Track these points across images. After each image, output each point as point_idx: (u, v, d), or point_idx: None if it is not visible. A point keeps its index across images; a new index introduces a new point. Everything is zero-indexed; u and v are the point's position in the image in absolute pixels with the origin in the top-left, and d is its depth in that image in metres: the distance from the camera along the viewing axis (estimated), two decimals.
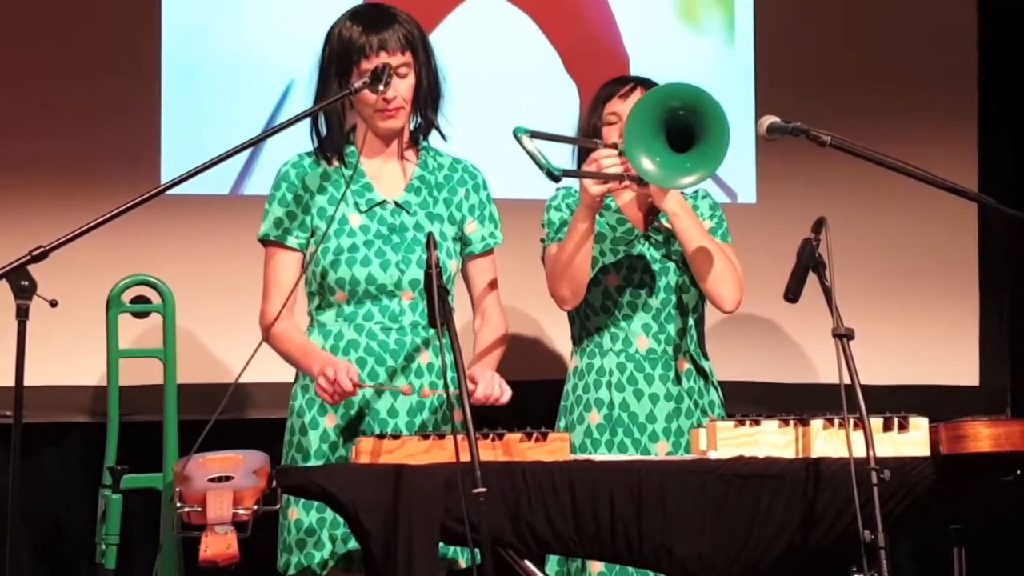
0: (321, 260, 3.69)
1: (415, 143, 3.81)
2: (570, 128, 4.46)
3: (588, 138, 4.01)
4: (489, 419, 3.42)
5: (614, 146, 3.82)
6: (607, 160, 3.80)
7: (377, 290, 3.68)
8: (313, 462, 3.63)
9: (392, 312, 3.69)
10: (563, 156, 4.10)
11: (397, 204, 3.74)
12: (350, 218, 3.71)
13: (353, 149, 3.74)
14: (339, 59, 3.67)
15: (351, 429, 3.65)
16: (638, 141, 3.70)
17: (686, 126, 3.71)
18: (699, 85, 3.75)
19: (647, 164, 3.72)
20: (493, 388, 3.56)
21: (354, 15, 3.72)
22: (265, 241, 3.74)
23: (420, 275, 3.62)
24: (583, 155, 4.04)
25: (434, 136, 3.82)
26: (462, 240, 3.80)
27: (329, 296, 3.71)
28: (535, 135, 3.63)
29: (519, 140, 3.62)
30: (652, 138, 3.71)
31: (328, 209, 3.70)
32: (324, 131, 3.75)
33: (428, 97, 3.75)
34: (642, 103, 3.75)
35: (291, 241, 3.71)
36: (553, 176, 3.63)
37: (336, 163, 3.74)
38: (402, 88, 3.68)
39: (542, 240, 4.10)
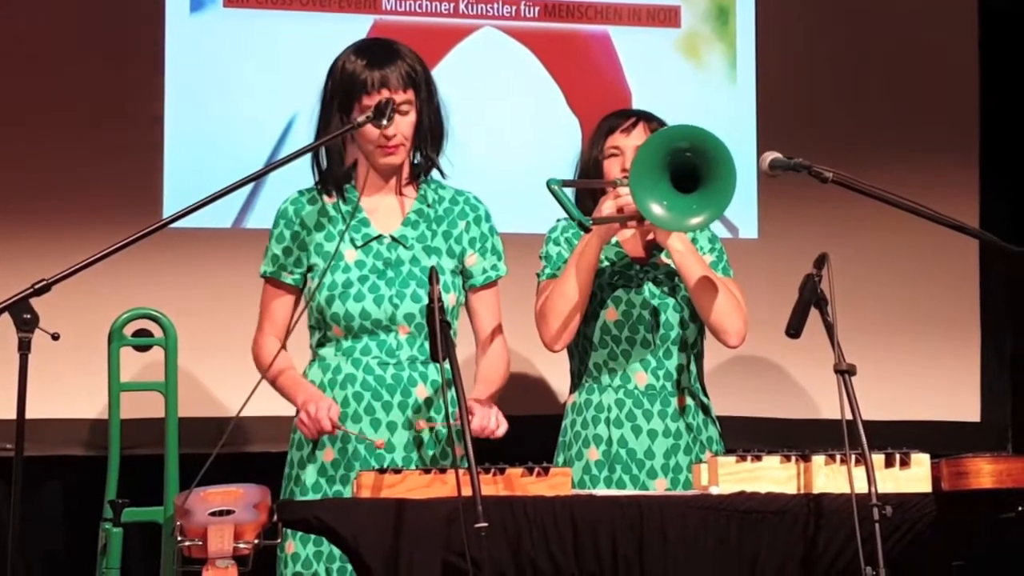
0: (318, 296, 3.70)
1: (415, 179, 3.81)
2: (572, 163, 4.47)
3: (597, 177, 4.01)
4: (490, 454, 3.42)
5: (615, 183, 3.82)
6: (625, 199, 3.81)
7: (372, 325, 3.68)
8: (310, 496, 3.63)
9: (389, 347, 3.69)
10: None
11: (393, 238, 3.74)
12: (345, 254, 3.72)
13: (352, 185, 3.75)
14: (341, 93, 3.68)
15: (348, 463, 3.64)
16: (644, 184, 3.70)
17: (692, 167, 3.71)
18: (704, 127, 3.76)
19: (656, 208, 3.72)
20: (489, 420, 3.56)
21: (358, 50, 3.73)
22: (264, 277, 3.78)
23: (415, 309, 3.65)
24: (590, 194, 4.03)
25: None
26: (463, 273, 3.81)
27: (328, 331, 3.72)
28: (565, 184, 3.66)
29: (552, 191, 3.65)
30: (658, 180, 3.71)
31: (326, 245, 3.72)
32: (325, 165, 3.76)
33: (429, 134, 3.74)
34: (647, 145, 3.74)
35: (286, 277, 3.74)
36: (584, 227, 3.71)
37: (335, 198, 3.75)
38: (403, 125, 3.68)
39: (538, 274, 4.08)
